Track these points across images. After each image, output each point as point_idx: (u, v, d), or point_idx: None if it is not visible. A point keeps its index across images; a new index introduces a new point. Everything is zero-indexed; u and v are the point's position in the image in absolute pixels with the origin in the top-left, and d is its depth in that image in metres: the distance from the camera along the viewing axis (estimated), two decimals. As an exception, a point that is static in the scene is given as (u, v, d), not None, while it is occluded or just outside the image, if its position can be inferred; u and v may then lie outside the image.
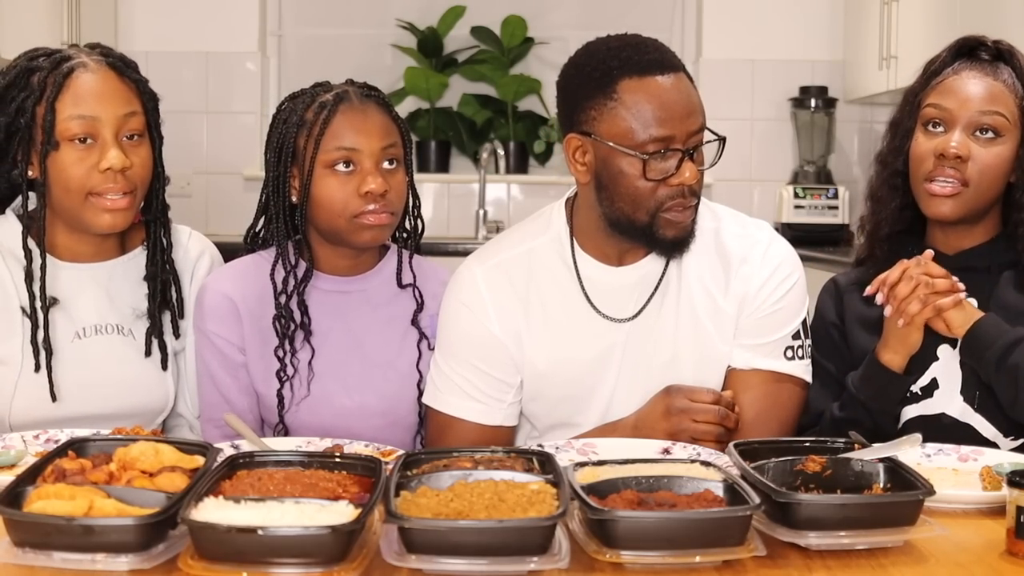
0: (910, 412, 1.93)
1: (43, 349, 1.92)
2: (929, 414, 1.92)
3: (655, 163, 1.80)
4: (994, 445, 1.88)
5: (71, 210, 1.92)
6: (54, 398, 1.92)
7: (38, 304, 1.93)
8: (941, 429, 1.88)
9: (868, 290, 1.88)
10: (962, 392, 1.91)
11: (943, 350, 1.93)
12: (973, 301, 1.88)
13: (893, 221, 2.00)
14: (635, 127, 1.79)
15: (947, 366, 1.93)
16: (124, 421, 1.87)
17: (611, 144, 1.82)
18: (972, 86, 1.92)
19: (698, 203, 1.87)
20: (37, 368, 1.92)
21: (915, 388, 1.93)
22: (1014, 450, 1.88)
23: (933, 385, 1.93)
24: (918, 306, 1.82)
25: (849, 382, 1.91)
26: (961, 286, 1.83)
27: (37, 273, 1.93)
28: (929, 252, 1.87)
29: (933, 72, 1.97)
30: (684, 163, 1.80)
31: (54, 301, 1.94)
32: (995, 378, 1.82)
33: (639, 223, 1.84)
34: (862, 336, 1.99)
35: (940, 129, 1.92)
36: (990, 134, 1.90)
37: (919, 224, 2.01)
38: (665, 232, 1.84)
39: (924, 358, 1.91)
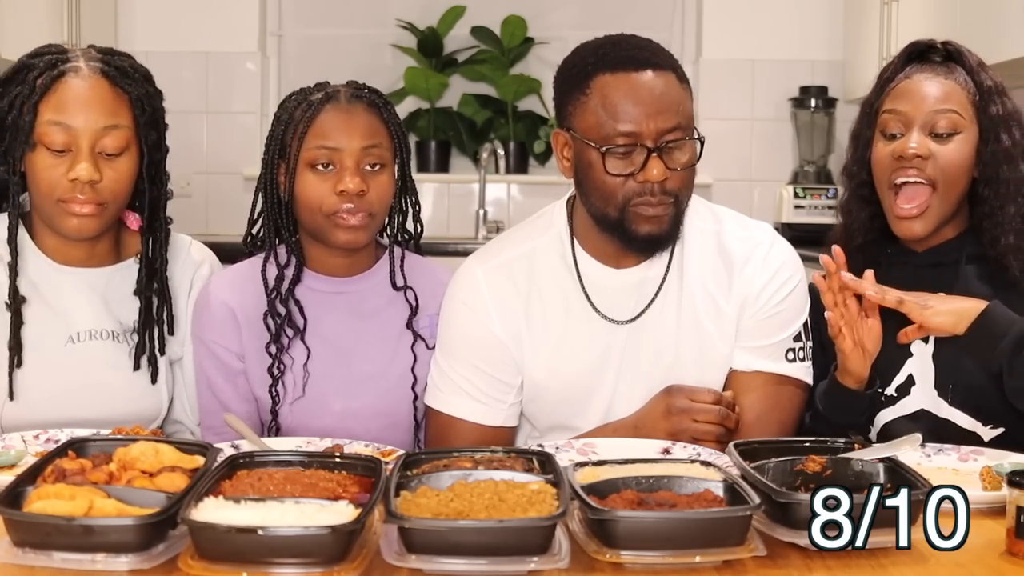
0: (886, 416, 1.93)
1: (7, 348, 1.91)
2: (907, 414, 1.92)
3: (615, 158, 1.79)
4: (975, 435, 1.89)
5: (44, 211, 1.92)
6: (11, 397, 1.90)
7: (8, 302, 1.92)
8: (921, 427, 1.88)
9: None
10: (936, 387, 1.92)
11: (916, 346, 1.93)
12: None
13: (865, 231, 2.03)
14: (601, 121, 1.79)
15: (921, 361, 1.94)
16: (117, 426, 1.87)
17: (582, 138, 1.82)
18: (925, 87, 1.94)
19: (677, 202, 1.84)
20: (19, 364, 1.92)
21: (890, 390, 1.94)
22: (995, 439, 1.89)
23: (910, 382, 1.94)
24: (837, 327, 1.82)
25: (816, 397, 1.91)
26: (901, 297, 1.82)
27: (22, 270, 1.92)
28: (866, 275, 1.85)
29: (887, 79, 1.99)
30: (651, 160, 1.79)
31: (23, 300, 1.93)
32: (1008, 373, 1.79)
33: (611, 218, 1.84)
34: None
35: (898, 133, 1.94)
36: (946, 132, 1.92)
37: (889, 226, 2.02)
38: (638, 227, 1.83)
39: (899, 356, 1.93)
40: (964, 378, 1.90)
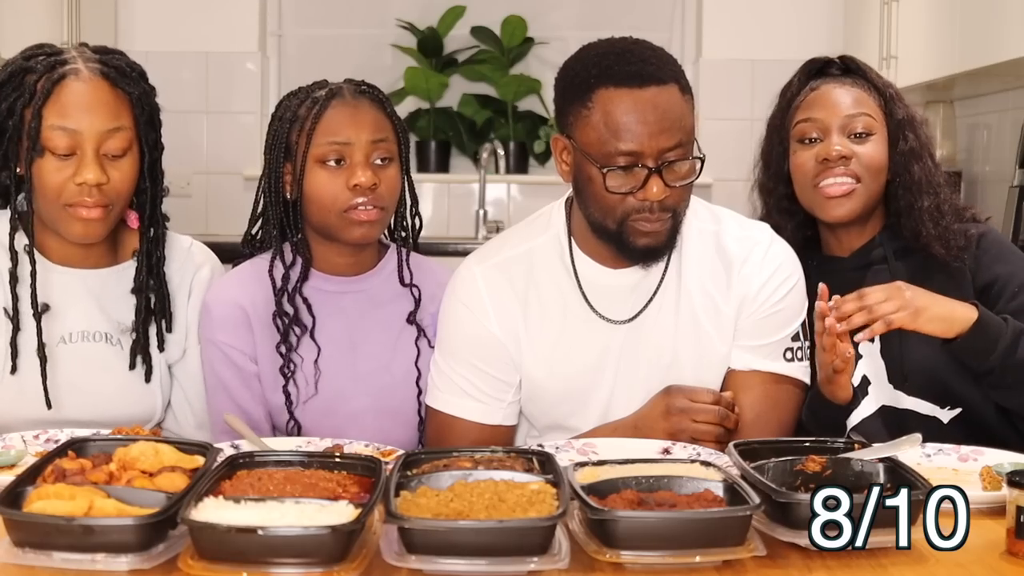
0: (852, 420, 1.96)
1: (38, 357, 1.91)
2: (869, 414, 1.96)
3: (617, 177, 1.79)
4: (935, 420, 1.94)
5: (49, 216, 1.91)
6: (49, 406, 1.91)
7: (21, 307, 1.92)
8: (887, 423, 1.93)
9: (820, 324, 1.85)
10: (890, 381, 1.97)
11: (864, 347, 1.98)
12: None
13: (793, 242, 2.06)
14: (603, 138, 1.78)
15: (872, 361, 1.99)
16: (106, 429, 1.86)
17: (582, 152, 1.82)
18: (836, 95, 2.05)
19: (675, 215, 1.85)
20: (13, 370, 1.91)
21: None
22: (953, 420, 1.95)
23: (865, 383, 1.99)
24: (829, 342, 1.81)
25: (803, 417, 1.95)
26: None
27: (21, 276, 1.92)
28: (823, 292, 1.86)
29: (792, 95, 2.09)
30: (651, 179, 1.78)
31: (46, 308, 1.93)
32: (999, 375, 1.86)
33: (609, 229, 1.84)
34: None
35: (816, 137, 2.03)
36: (863, 134, 2.02)
37: (814, 237, 2.11)
38: (635, 240, 1.84)
39: None
40: (918, 367, 1.96)
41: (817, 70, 2.10)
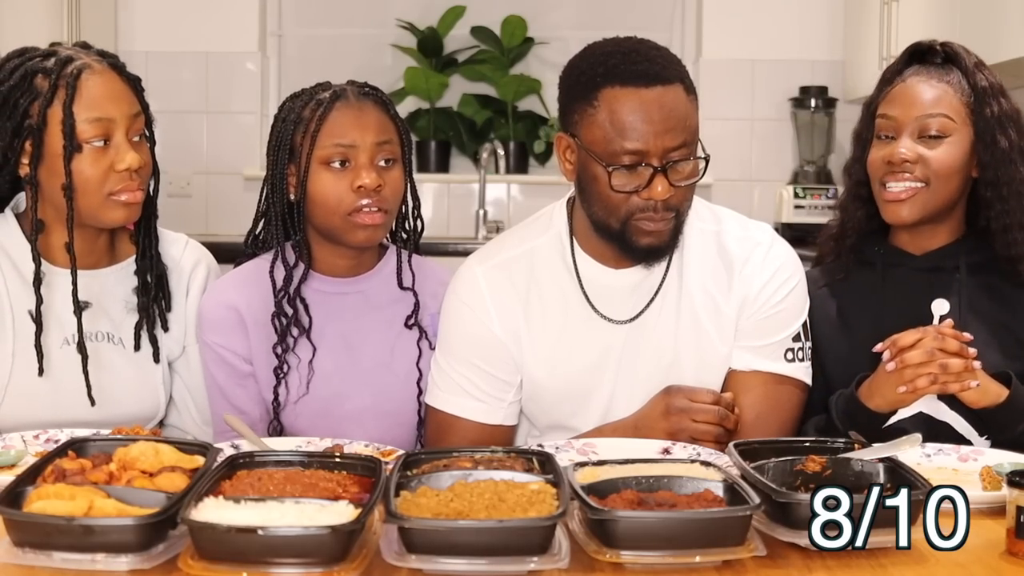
0: (889, 420, 1.92)
1: (79, 354, 1.93)
2: (905, 417, 1.92)
3: (621, 176, 1.79)
4: (967, 442, 1.90)
5: (87, 210, 1.91)
6: (93, 402, 1.93)
7: (44, 309, 1.92)
8: (919, 431, 1.89)
9: (878, 347, 1.84)
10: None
11: None
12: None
13: (860, 231, 2.05)
14: (608, 137, 1.78)
15: None
16: (106, 428, 1.86)
17: (587, 150, 1.82)
18: (916, 92, 1.98)
19: (678, 215, 1.85)
20: (41, 372, 1.92)
21: None
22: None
23: None
24: (926, 383, 1.80)
25: (833, 415, 1.92)
26: (973, 358, 1.81)
27: (44, 278, 1.92)
28: (948, 323, 1.84)
29: (886, 81, 2.04)
30: (656, 178, 1.78)
31: (87, 304, 1.96)
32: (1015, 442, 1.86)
33: (612, 229, 1.84)
34: (826, 336, 2.02)
35: (890, 136, 1.99)
36: (937, 136, 1.96)
37: (885, 225, 2.06)
38: (638, 240, 1.84)
39: None
40: None
41: (919, 55, 2.03)
